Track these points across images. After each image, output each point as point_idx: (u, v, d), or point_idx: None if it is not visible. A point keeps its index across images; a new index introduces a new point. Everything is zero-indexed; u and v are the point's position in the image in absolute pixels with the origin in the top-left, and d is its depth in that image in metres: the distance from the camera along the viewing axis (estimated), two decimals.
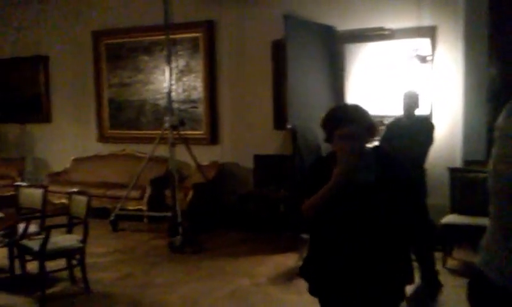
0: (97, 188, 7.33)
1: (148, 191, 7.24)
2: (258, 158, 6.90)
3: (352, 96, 6.43)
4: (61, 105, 8.75)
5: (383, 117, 5.48)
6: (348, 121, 2.31)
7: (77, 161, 8.39)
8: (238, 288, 4.83)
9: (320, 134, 5.90)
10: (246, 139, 7.36)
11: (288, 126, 5.83)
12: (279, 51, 6.67)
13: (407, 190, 2.42)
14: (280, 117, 6.88)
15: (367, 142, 2.39)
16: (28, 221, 4.81)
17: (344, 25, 6.44)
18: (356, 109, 2.40)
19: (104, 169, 8.06)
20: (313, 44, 6.18)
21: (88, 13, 8.30)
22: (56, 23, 8.57)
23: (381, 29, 6.26)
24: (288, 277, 5.07)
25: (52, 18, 8.60)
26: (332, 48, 6.40)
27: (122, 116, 8.25)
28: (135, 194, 7.16)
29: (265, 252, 5.86)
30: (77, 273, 4.81)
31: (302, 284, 4.74)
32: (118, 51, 8.14)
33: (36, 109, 8.89)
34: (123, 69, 8.14)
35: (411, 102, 4.77)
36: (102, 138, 8.44)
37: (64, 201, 7.54)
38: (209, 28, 7.42)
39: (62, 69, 8.67)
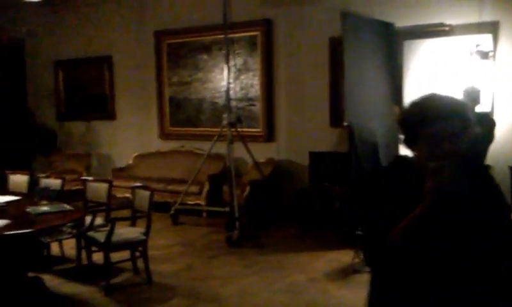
0: (158, 183, 7.56)
1: (207, 187, 7.43)
2: (313, 156, 6.92)
3: (411, 94, 6.32)
4: (125, 103, 9.11)
5: None
6: (445, 117, 1.72)
7: (139, 157, 8.71)
8: (294, 282, 4.89)
9: (379, 131, 5.91)
10: (302, 137, 7.40)
11: (345, 123, 5.82)
12: (336, 48, 6.66)
13: (503, 209, 1.79)
14: (336, 114, 6.88)
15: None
16: (94, 214, 5.04)
17: (402, 21, 6.34)
18: (455, 102, 1.82)
19: (165, 165, 8.34)
20: (371, 41, 6.12)
21: (151, 14, 8.60)
22: (120, 24, 8.93)
23: (441, 24, 6.13)
24: (343, 273, 5.08)
25: (117, 20, 8.96)
26: (390, 45, 6.32)
27: (182, 114, 8.50)
28: (194, 189, 7.37)
29: (320, 248, 5.89)
30: (140, 264, 5.00)
31: (357, 281, 4.79)
32: (179, 50, 8.38)
33: (101, 107, 9.31)
34: (183, 68, 8.37)
35: (472, 98, 4.66)
36: (163, 135, 8.72)
37: (127, 195, 7.84)
38: (267, 26, 7.51)
39: (125, 68, 9.01)
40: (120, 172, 8.50)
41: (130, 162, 8.73)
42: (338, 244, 5.94)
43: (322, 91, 7.15)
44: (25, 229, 3.80)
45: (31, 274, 4.41)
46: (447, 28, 6.09)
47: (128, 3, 8.81)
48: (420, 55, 6.39)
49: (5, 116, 10.37)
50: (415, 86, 6.37)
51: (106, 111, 9.27)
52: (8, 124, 10.28)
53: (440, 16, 6.16)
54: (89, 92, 9.45)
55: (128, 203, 7.68)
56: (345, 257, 5.44)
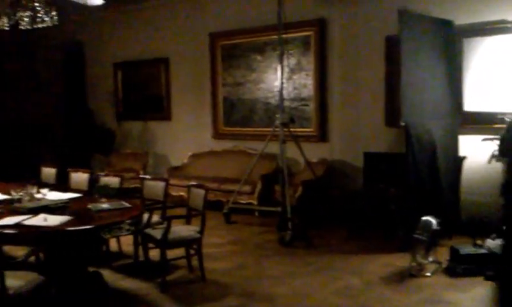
0: (212, 182, 7.64)
1: (259, 186, 7.47)
2: (368, 156, 6.80)
3: (471, 93, 6.12)
4: (180, 104, 9.29)
5: (504, 114, 5.17)
6: None
7: (194, 156, 8.86)
8: (348, 285, 4.82)
9: (437, 132, 5.73)
10: (356, 137, 7.31)
11: (402, 123, 5.69)
12: (393, 47, 6.53)
13: None
14: (392, 114, 6.74)
15: None
16: (151, 211, 5.16)
17: (462, 18, 6.14)
18: None
19: (218, 164, 8.44)
20: (429, 39, 5.96)
21: (206, 17, 8.73)
22: (177, 27, 9.12)
23: (503, 21, 5.89)
24: (399, 277, 4.96)
25: (173, 23, 9.15)
26: (449, 44, 6.13)
27: (235, 114, 8.58)
28: (246, 188, 7.43)
29: (375, 251, 5.78)
30: (194, 262, 5.08)
31: (414, 285, 4.67)
32: (233, 51, 8.47)
33: (157, 108, 9.54)
34: (237, 69, 8.45)
35: None
36: (217, 135, 8.83)
37: (182, 193, 8.01)
38: (321, 26, 7.47)
39: (181, 70, 9.20)
40: (175, 171, 8.67)
41: (185, 161, 8.89)
42: (393, 247, 5.81)
43: (378, 90, 7.03)
44: (86, 225, 3.93)
45: (91, 269, 4.55)
46: (509, 25, 5.84)
47: (185, 6, 8.98)
48: (480, 54, 6.16)
49: (67, 116, 10.82)
50: (476, 85, 6.15)
51: (162, 111, 9.48)
52: (69, 124, 10.72)
53: (501, 12, 5.92)
54: (147, 93, 9.71)
55: (182, 201, 7.87)
56: (401, 261, 5.32)
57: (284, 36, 6.67)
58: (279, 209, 6.60)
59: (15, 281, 3.42)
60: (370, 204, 6.48)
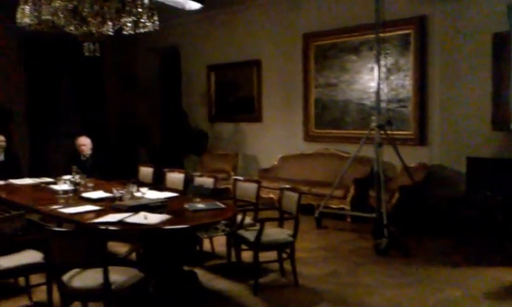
0: (302, 185, 7.54)
1: (352, 191, 7.25)
2: (472, 162, 6.37)
3: None
4: (271, 105, 9.28)
5: None
6: None
7: (284, 159, 8.80)
8: (448, 298, 4.51)
9: None
10: (459, 141, 6.88)
11: None
12: (501, 44, 6.06)
13: None
14: (500, 116, 6.25)
15: None
16: (244, 213, 5.16)
17: None
18: None
19: (309, 167, 8.32)
20: None
21: (299, 17, 8.66)
22: (270, 29, 9.12)
23: None
24: (506, 294, 4.57)
25: (267, 25, 9.17)
26: None
27: (327, 116, 8.41)
28: (339, 193, 7.24)
29: (479, 263, 5.38)
30: (286, 266, 5.00)
31: None
32: (326, 52, 8.32)
33: (248, 109, 9.60)
34: (330, 69, 8.29)
35: None
36: (308, 137, 8.71)
37: (272, 195, 8.01)
38: (421, 24, 7.12)
39: (273, 72, 9.19)
40: (265, 173, 8.66)
41: (275, 163, 8.86)
42: (501, 260, 5.38)
43: (483, 91, 6.57)
44: (184, 224, 3.98)
45: (186, 268, 4.62)
46: None
47: (279, 8, 8.97)
48: None
49: (164, 117, 11.23)
50: None
51: (253, 113, 9.53)
52: (165, 125, 11.12)
53: None
54: (238, 95, 9.82)
55: (272, 204, 7.85)
56: (508, 276, 4.90)
57: (381, 35, 6.41)
58: (373, 215, 6.35)
59: (117, 276, 3.51)
60: (474, 214, 6.06)
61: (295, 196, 4.85)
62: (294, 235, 4.82)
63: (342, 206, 7.30)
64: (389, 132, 6.44)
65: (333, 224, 7.17)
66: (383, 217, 6.03)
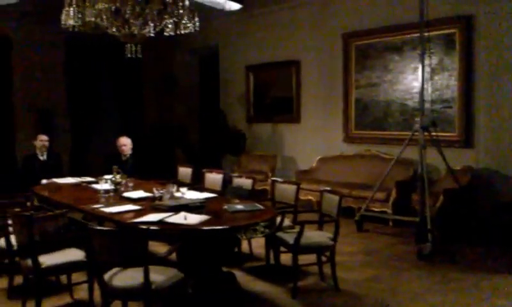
0: (341, 187, 7.42)
1: (394, 194, 7.08)
2: None
3: None
4: (310, 106, 9.18)
5: None
6: None
7: (323, 160, 8.68)
8: None
9: None
10: (506, 143, 6.62)
11: None
12: None
13: None
14: None
15: None
16: (283, 215, 5.10)
17: None
18: None
19: (348, 169, 8.18)
20: None
21: (339, 17, 8.53)
22: (309, 29, 9.03)
23: None
24: None
25: (306, 25, 9.08)
26: None
27: (368, 117, 8.25)
28: (380, 195, 7.08)
29: None
30: (326, 269, 4.92)
31: None
32: (367, 52, 8.17)
33: (287, 110, 9.52)
34: (372, 69, 8.13)
35: None
36: (347, 138, 8.56)
37: (310, 197, 7.92)
38: (467, 23, 6.90)
39: (312, 72, 9.09)
40: (304, 174, 8.56)
41: (314, 164, 8.75)
42: None
43: None
44: (224, 225, 3.95)
45: (224, 269, 4.59)
46: None
47: (317, 8, 8.87)
48: None
49: (201, 118, 11.29)
50: None
51: (292, 114, 9.45)
52: (203, 125, 11.18)
53: None
54: (277, 95, 9.76)
55: (311, 206, 7.76)
56: None
57: (426, 34, 6.22)
58: (416, 219, 6.17)
59: (157, 276, 3.51)
60: None
61: (336, 198, 4.76)
62: (335, 238, 4.73)
63: (383, 209, 7.14)
64: (433, 134, 6.24)
65: (374, 228, 7.04)
66: (426, 221, 5.85)
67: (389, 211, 7.08)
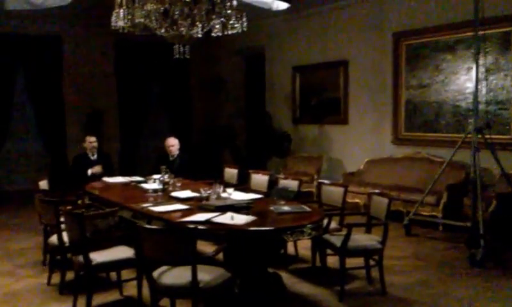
0: (390, 190, 7.24)
1: (444, 198, 6.87)
2: None
3: None
4: (358, 107, 9.04)
5: None
6: None
7: (371, 162, 8.53)
8: None
9: None
10: None
11: None
12: None
13: None
14: None
15: None
16: (330, 217, 5.02)
17: None
18: None
19: (397, 171, 8.00)
20: None
21: (390, 16, 8.37)
22: (358, 28, 8.91)
23: None
24: None
25: (355, 25, 8.96)
26: None
27: (418, 118, 8.05)
28: (430, 199, 6.89)
29: None
30: (373, 273, 4.84)
31: None
32: (419, 51, 7.98)
33: (334, 111, 9.41)
34: (423, 70, 7.93)
35: None
36: (397, 140, 8.38)
37: (357, 200, 7.80)
38: None
39: (360, 72, 8.96)
40: (350, 176, 8.44)
41: (361, 166, 8.62)
42: None
43: None
44: (270, 226, 3.94)
45: (270, 270, 4.58)
46: None
47: (366, 7, 8.74)
48: None
49: (248, 119, 11.33)
50: None
51: (339, 115, 9.34)
52: (249, 126, 11.21)
53: None
54: (324, 96, 9.67)
55: (358, 208, 7.64)
56: None
57: (481, 32, 5.99)
58: (468, 224, 5.97)
59: (205, 275, 3.53)
60: None
61: (385, 201, 4.66)
62: (383, 242, 4.63)
63: (433, 213, 6.94)
64: (487, 136, 6.01)
65: (423, 232, 6.86)
66: (478, 226, 5.64)
67: (439, 215, 6.87)
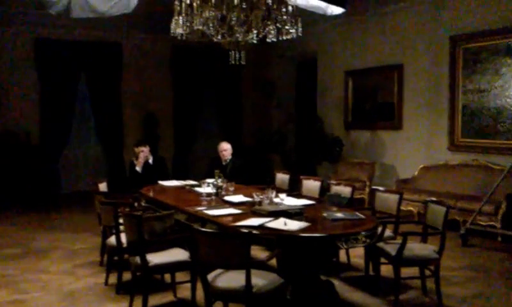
0: (445, 198, 7.03)
1: (503, 207, 6.61)
2: None
3: None
4: (413, 112, 8.85)
5: None
6: None
7: (425, 169, 8.32)
8: None
9: None
10: None
11: None
12: None
13: None
14: None
15: None
16: (384, 225, 4.93)
17: None
18: None
19: (453, 179, 7.77)
20: None
21: (447, 19, 8.16)
22: (414, 32, 8.74)
23: None
24: None
25: (410, 28, 8.80)
26: None
27: (476, 124, 7.80)
28: (488, 208, 6.65)
29: None
30: (429, 284, 4.71)
31: None
32: (477, 55, 7.73)
33: (387, 116, 9.25)
34: (481, 74, 7.68)
35: None
36: (453, 146, 8.14)
37: (411, 208, 7.63)
38: None
39: (415, 77, 8.77)
40: (404, 183, 8.26)
41: (415, 173, 8.42)
42: None
43: None
44: (324, 232, 3.91)
45: (323, 277, 4.54)
46: None
47: (422, 10, 8.57)
48: None
49: (299, 124, 11.30)
50: None
51: (393, 120, 9.17)
52: (300, 131, 11.17)
53: None
54: (377, 101, 9.54)
55: (412, 217, 7.46)
56: None
57: None
58: None
59: (258, 279, 3.55)
60: None
61: (442, 209, 4.53)
62: (440, 252, 4.50)
63: (491, 223, 6.69)
64: None
65: (480, 243, 6.62)
66: None
67: (498, 225, 6.62)
